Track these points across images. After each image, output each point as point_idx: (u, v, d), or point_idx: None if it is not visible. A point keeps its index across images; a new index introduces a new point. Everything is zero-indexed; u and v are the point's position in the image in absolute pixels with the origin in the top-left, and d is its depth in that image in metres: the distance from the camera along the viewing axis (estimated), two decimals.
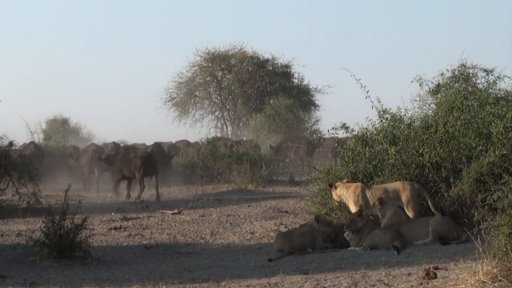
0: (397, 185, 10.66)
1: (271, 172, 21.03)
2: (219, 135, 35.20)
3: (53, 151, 27.88)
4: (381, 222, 10.41)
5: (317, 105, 38.06)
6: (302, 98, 37.31)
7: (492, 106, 11.99)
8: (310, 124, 37.56)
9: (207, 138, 24.58)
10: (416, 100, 14.91)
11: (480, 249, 7.32)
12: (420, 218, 10.38)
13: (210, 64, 38.50)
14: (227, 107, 38.93)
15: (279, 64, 38.37)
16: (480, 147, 10.71)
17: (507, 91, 14.36)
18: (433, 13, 68.42)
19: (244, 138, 33.97)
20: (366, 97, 12.10)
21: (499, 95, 14.15)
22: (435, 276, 7.44)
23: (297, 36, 62.91)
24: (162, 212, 15.24)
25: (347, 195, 10.84)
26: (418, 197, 10.58)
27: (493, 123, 11.09)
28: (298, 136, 28.58)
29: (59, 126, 38.35)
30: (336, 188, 10.96)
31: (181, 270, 9.02)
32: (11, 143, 16.45)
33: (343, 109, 41.37)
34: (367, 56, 62.56)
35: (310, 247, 9.96)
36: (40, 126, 36.78)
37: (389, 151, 11.38)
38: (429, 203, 10.41)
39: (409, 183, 10.62)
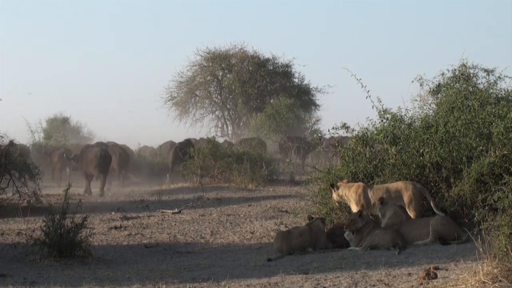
0: (399, 185, 10.65)
1: (271, 171, 21.01)
2: (219, 134, 35.18)
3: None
4: (381, 222, 10.40)
5: (318, 105, 38.05)
6: (303, 98, 37.29)
7: (493, 106, 11.98)
8: (310, 124, 37.55)
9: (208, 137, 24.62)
10: (416, 100, 14.90)
11: (481, 249, 7.32)
12: (421, 218, 10.38)
13: (210, 64, 38.47)
14: (228, 106, 38.90)
15: (279, 63, 38.36)
16: (481, 147, 10.71)
17: (507, 91, 14.34)
18: (434, 13, 68.44)
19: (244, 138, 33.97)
20: (366, 97, 12.13)
21: (499, 95, 14.13)
22: (435, 276, 7.43)
23: (298, 35, 62.97)
24: (162, 212, 15.24)
25: (348, 195, 10.84)
26: (420, 197, 10.58)
27: (493, 123, 11.09)
28: (254, 137, 29.37)
29: (60, 125, 38.40)
30: (337, 189, 10.95)
31: (181, 270, 9.02)
32: (11, 142, 16.45)
33: (344, 109, 41.39)
34: (368, 56, 62.62)
35: (310, 246, 9.96)
36: (40, 125, 36.85)
37: (390, 151, 11.38)
38: (431, 204, 10.40)
39: (411, 183, 10.61)
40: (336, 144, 12.37)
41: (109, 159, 21.81)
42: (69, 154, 23.48)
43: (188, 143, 24.48)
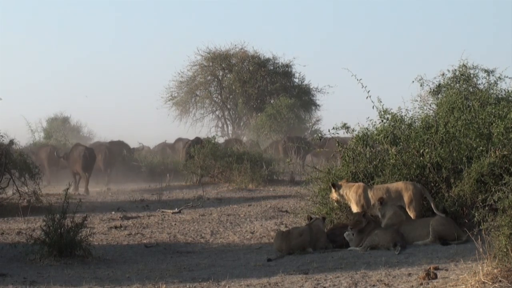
0: (399, 185, 10.65)
1: (272, 171, 21.00)
2: (219, 134, 35.17)
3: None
4: (381, 222, 10.40)
5: (318, 105, 38.04)
6: (303, 98, 37.27)
7: (493, 106, 11.98)
8: (310, 124, 37.54)
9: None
10: (417, 101, 14.87)
11: (481, 249, 7.32)
12: (421, 218, 10.38)
13: (211, 64, 38.45)
14: (228, 106, 38.89)
15: (280, 63, 38.34)
16: (481, 148, 10.70)
17: (508, 91, 14.32)
18: (435, 13, 68.44)
19: (245, 138, 33.98)
20: (367, 97, 12.12)
21: (500, 96, 14.12)
22: (435, 277, 7.43)
23: (298, 35, 62.98)
24: (163, 211, 15.24)
25: (349, 195, 10.84)
26: (420, 197, 10.57)
27: (494, 124, 11.08)
28: (238, 139, 29.59)
29: (60, 125, 38.41)
30: (339, 188, 10.94)
31: (181, 269, 9.02)
32: (11, 142, 16.46)
33: (344, 109, 41.38)
34: (368, 56, 62.63)
35: (310, 246, 9.95)
36: (41, 124, 36.85)
37: (390, 151, 11.38)
38: (432, 204, 10.40)
39: (412, 183, 10.61)
40: (336, 144, 12.36)
41: (93, 158, 22.55)
42: (60, 153, 24.24)
43: (198, 141, 24.57)
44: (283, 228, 11.97)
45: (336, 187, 10.98)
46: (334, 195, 11.05)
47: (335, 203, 11.26)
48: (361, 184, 10.92)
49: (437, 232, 9.79)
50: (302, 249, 9.87)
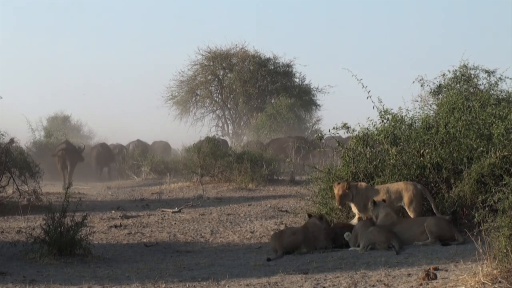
0: (400, 185, 10.64)
1: (272, 171, 21.00)
2: (220, 134, 35.18)
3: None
4: (375, 223, 10.28)
5: (318, 105, 38.01)
6: (303, 98, 37.25)
7: (494, 107, 11.99)
8: (311, 124, 37.52)
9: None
10: (417, 101, 14.91)
11: (480, 250, 7.32)
12: (414, 218, 10.34)
13: (211, 63, 38.43)
14: (228, 106, 38.88)
15: (280, 63, 38.32)
16: (481, 148, 10.71)
17: (508, 92, 14.34)
18: (435, 13, 68.46)
19: (246, 138, 33.92)
20: (367, 97, 12.13)
21: (500, 96, 14.15)
22: (435, 277, 7.43)
23: (299, 35, 63.00)
24: (163, 211, 15.24)
25: None
26: (420, 198, 10.57)
27: (494, 124, 11.09)
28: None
29: (60, 124, 38.45)
30: (352, 188, 10.87)
31: (181, 269, 9.02)
32: (12, 140, 16.46)
33: (344, 109, 41.37)
34: (369, 56, 62.66)
35: (308, 245, 9.85)
36: (41, 123, 36.86)
37: (390, 152, 11.38)
38: (432, 205, 10.39)
39: (412, 184, 10.61)
40: (337, 144, 12.36)
41: (72, 155, 23.13)
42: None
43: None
44: (283, 228, 11.96)
45: (352, 187, 10.75)
46: (346, 194, 10.73)
47: (337, 203, 11.15)
48: (362, 184, 10.91)
49: (432, 233, 9.78)
50: (296, 248, 9.79)
